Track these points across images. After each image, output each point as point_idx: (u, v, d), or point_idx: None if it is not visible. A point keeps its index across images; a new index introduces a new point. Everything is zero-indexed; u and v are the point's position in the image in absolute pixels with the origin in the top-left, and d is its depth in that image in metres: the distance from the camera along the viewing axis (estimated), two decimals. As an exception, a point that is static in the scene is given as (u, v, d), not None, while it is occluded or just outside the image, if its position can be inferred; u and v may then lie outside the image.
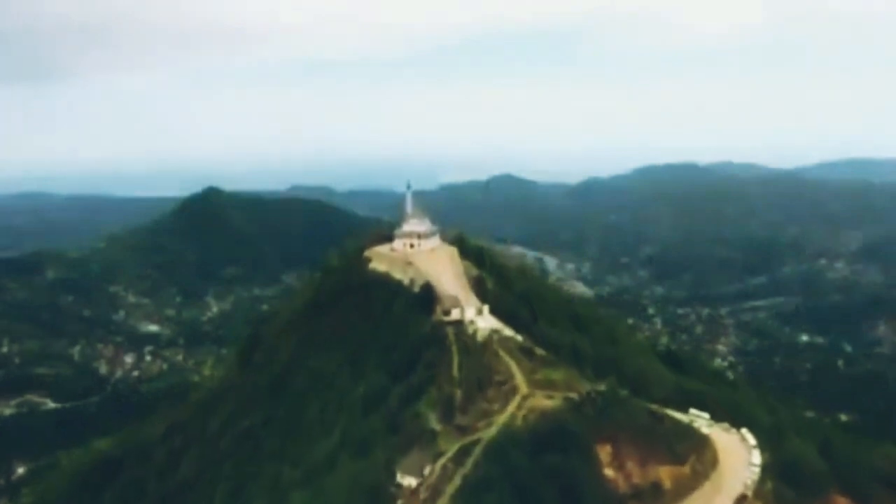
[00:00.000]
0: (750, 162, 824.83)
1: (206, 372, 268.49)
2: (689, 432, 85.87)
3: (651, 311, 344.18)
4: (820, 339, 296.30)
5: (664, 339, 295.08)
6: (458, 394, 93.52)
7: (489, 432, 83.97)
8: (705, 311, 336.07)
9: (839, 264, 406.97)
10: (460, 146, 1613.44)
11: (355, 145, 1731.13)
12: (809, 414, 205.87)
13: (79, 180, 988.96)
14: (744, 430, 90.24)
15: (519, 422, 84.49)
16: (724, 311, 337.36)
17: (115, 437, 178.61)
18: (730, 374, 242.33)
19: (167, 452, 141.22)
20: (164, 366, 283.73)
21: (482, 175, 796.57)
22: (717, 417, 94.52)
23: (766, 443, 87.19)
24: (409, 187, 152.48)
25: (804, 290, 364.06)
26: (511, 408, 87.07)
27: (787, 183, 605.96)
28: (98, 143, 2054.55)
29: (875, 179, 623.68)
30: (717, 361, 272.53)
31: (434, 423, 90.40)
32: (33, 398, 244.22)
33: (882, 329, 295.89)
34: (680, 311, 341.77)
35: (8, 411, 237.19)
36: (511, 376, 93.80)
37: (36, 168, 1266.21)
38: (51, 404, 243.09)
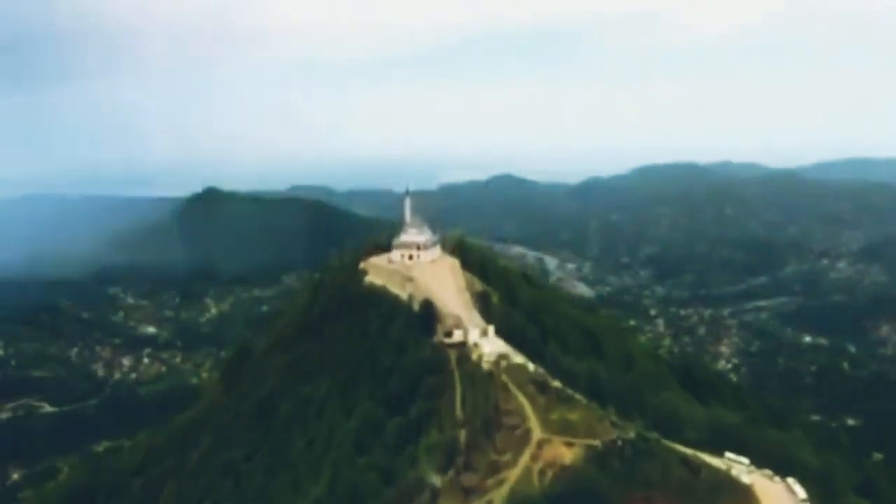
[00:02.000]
0: (750, 162, 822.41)
1: (204, 374, 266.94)
2: (730, 484, 76.26)
3: (653, 312, 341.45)
4: (823, 340, 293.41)
5: (667, 341, 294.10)
6: (462, 435, 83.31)
7: (500, 493, 73.73)
8: (707, 312, 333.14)
9: (841, 264, 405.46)
10: (460, 146, 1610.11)
11: (355, 145, 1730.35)
12: (815, 418, 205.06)
13: (79, 180, 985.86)
14: (790, 480, 79.91)
15: (534, 479, 74.71)
16: (726, 311, 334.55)
17: (103, 451, 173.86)
18: (732, 376, 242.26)
19: (143, 485, 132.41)
20: (163, 368, 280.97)
21: (482, 175, 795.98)
22: (756, 461, 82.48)
23: (815, 492, 77.65)
24: (407, 192, 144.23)
25: (806, 290, 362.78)
26: (524, 459, 76.98)
27: (787, 183, 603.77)
28: (98, 144, 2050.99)
29: (875, 179, 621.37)
30: (721, 363, 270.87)
31: (433, 476, 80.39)
32: (30, 402, 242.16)
33: (885, 330, 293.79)
34: (682, 311, 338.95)
35: (4, 415, 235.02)
36: (523, 417, 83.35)
37: (36, 168, 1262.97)
38: (48, 408, 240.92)
